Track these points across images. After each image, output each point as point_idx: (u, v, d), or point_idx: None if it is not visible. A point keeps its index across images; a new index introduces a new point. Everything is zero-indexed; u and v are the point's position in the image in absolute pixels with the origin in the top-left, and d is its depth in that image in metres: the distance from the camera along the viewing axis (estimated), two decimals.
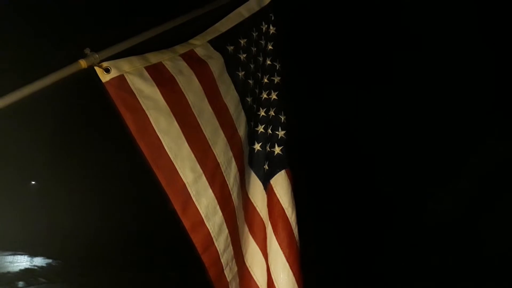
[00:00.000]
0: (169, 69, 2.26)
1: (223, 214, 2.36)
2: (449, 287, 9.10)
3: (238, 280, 2.56)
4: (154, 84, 2.17)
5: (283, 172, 2.60)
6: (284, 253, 2.50)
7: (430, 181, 10.96)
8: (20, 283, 11.83)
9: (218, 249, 2.35)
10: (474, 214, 9.94)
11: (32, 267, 13.87)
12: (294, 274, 2.50)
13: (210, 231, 2.30)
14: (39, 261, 14.59)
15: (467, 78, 10.19)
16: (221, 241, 2.36)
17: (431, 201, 10.70)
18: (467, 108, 10.30)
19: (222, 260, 2.38)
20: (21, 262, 14.51)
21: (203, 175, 2.28)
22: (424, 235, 10.13)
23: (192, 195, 2.23)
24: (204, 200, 2.28)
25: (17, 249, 15.69)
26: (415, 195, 10.89)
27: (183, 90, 2.28)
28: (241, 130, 2.55)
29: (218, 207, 2.34)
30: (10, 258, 15.05)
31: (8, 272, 12.94)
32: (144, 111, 2.12)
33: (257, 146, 2.66)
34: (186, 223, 2.22)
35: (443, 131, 10.92)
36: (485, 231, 9.45)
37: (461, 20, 9.49)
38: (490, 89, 10.10)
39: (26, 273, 12.84)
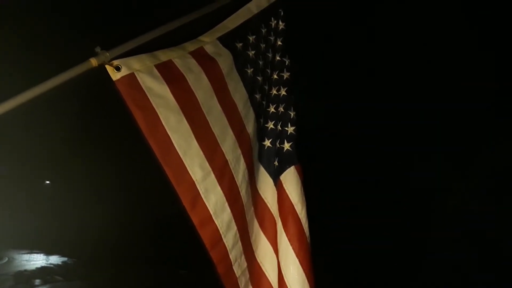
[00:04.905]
0: (178, 67, 2.27)
1: (232, 211, 2.37)
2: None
3: (248, 276, 2.56)
4: (163, 82, 2.18)
5: (292, 168, 2.58)
6: (294, 248, 2.49)
7: (442, 177, 10.86)
8: (37, 281, 12.01)
9: (226, 245, 2.36)
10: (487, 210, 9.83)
11: (48, 265, 14.07)
12: (304, 270, 2.48)
13: (219, 228, 2.31)
14: (55, 260, 14.79)
15: (470, 78, 10.11)
16: (230, 238, 2.37)
17: (446, 197, 10.60)
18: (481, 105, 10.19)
19: (230, 256, 2.40)
20: (37, 260, 14.72)
21: (212, 173, 2.29)
22: (435, 229, 10.06)
23: (200, 192, 2.24)
24: (213, 197, 2.29)
25: (33, 248, 15.92)
26: (426, 190, 10.80)
27: (192, 88, 2.29)
28: (250, 127, 2.56)
29: (226, 204, 2.35)
30: (26, 256, 15.28)
31: (25, 270, 13.13)
32: (154, 109, 2.13)
33: (267, 143, 2.66)
34: (195, 220, 2.23)
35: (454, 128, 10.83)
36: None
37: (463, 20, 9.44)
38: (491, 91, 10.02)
39: (42, 271, 13.03)
